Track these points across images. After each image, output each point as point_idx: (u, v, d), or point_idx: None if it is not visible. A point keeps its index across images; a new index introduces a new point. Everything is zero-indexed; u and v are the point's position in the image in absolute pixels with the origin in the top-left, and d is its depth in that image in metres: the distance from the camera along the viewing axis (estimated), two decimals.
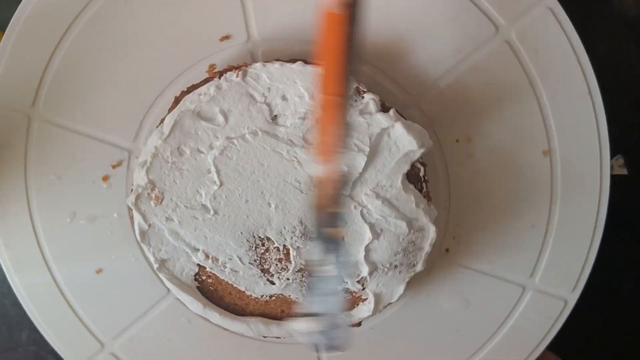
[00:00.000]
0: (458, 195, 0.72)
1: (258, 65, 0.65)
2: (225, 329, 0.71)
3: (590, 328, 0.80)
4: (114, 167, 0.72)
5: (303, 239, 0.66)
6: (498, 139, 0.71)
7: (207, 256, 0.67)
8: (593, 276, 0.72)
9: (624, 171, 0.79)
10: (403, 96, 0.71)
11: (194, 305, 0.69)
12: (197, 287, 0.69)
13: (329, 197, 0.55)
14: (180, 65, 0.70)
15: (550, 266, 0.72)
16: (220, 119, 0.65)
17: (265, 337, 0.70)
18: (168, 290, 0.73)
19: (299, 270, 0.67)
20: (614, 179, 0.72)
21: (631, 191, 0.80)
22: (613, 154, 0.71)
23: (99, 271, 0.73)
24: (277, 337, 0.70)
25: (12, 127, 0.71)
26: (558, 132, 0.70)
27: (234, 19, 0.70)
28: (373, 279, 0.67)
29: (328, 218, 0.56)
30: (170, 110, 0.67)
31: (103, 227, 0.73)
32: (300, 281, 0.68)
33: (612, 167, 0.72)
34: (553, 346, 0.73)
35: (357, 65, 0.57)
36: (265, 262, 0.67)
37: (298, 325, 0.58)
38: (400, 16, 0.70)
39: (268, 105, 0.65)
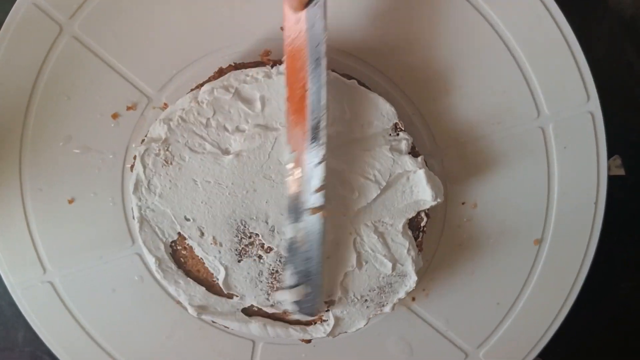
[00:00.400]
0: (443, 253, 0.73)
1: None
2: (177, 301, 0.70)
3: (588, 327, 0.82)
4: (128, 108, 0.70)
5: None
6: (500, 214, 0.73)
7: (192, 228, 0.66)
8: (590, 276, 0.73)
9: (622, 172, 0.80)
10: (430, 145, 0.72)
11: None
12: (170, 254, 0.68)
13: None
14: (232, 38, 0.69)
15: (499, 344, 0.74)
16: (258, 105, 0.64)
17: (214, 322, 0.69)
18: (132, 242, 0.72)
19: (271, 274, 0.67)
20: (612, 179, 0.73)
21: (628, 192, 0.81)
22: (610, 154, 0.73)
23: (71, 201, 0.71)
24: (226, 327, 0.70)
25: (41, 32, 0.68)
26: (555, 226, 0.72)
27: None
28: (340, 304, 0.67)
29: (312, 198, 0.62)
30: (211, 79, 0.65)
31: (93, 162, 0.71)
32: (269, 285, 0.67)
33: (609, 168, 0.72)
34: (550, 345, 0.74)
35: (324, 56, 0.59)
36: (246, 254, 0.66)
37: (279, 297, 0.66)
38: (457, 62, 0.71)
39: None
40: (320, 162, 0.60)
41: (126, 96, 0.70)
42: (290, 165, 0.62)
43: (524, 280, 0.73)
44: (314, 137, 0.60)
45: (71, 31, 0.68)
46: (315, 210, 0.62)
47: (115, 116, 0.70)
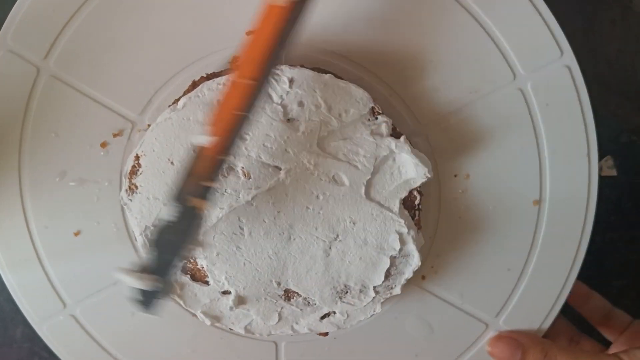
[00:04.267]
0: (445, 228, 0.74)
1: (284, 67, 0.65)
2: (193, 315, 0.71)
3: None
4: (114, 135, 0.71)
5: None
6: (494, 181, 0.73)
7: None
8: (582, 275, 0.73)
9: (613, 172, 0.81)
10: (413, 123, 0.72)
11: None
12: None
13: (207, 170, 0.59)
14: (203, 50, 0.70)
15: (516, 310, 0.74)
16: None
17: (231, 329, 0.70)
18: None
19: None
20: (603, 180, 0.73)
21: (620, 192, 0.82)
22: (602, 155, 0.72)
23: (77, 233, 0.72)
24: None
25: (19, 76, 0.70)
26: (551, 185, 0.72)
27: None
28: (349, 294, 0.68)
29: (199, 189, 0.59)
30: (186, 92, 0.67)
31: (91, 192, 0.72)
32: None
33: (601, 168, 0.73)
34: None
35: (280, 61, 0.60)
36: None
37: (124, 276, 0.59)
38: (425, 38, 0.71)
39: (284, 107, 0.65)
40: (224, 161, 0.60)
41: (111, 124, 0.71)
42: (203, 145, 0.59)
43: (530, 242, 0.73)
44: (241, 132, 0.59)
45: (48, 70, 0.70)
46: (194, 201, 0.59)
47: (104, 145, 0.72)
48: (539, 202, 0.72)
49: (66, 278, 0.73)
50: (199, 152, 0.59)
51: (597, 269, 0.81)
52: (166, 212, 0.60)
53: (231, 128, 0.58)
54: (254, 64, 0.57)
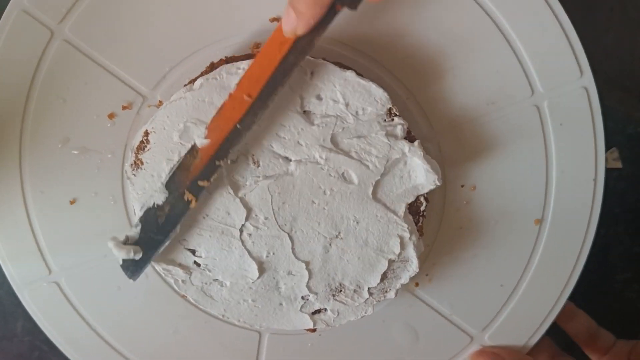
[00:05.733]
0: (445, 237, 0.74)
1: (307, 57, 0.64)
2: (182, 295, 0.71)
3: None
4: (123, 108, 0.70)
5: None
6: (499, 195, 0.72)
7: None
8: (587, 268, 0.73)
9: (619, 164, 0.81)
10: (426, 129, 0.72)
11: None
12: None
13: (201, 169, 0.63)
14: (223, 32, 0.69)
15: (504, 326, 0.74)
16: None
17: (224, 316, 0.70)
18: None
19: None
20: (609, 172, 0.73)
21: (625, 184, 0.82)
22: (608, 146, 0.72)
23: (72, 202, 0.71)
24: (227, 318, 0.70)
25: (32, 38, 0.68)
26: (555, 206, 0.72)
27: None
28: (343, 293, 0.68)
29: (194, 185, 0.63)
30: (203, 73, 0.66)
31: (92, 163, 0.71)
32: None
33: (606, 160, 0.72)
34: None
35: (281, 85, 0.60)
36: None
37: (109, 243, 0.65)
38: (448, 44, 0.71)
39: (301, 99, 0.64)
40: (217, 166, 0.62)
41: (121, 96, 0.70)
42: (198, 146, 0.62)
43: (527, 260, 0.73)
44: (233, 142, 0.62)
45: (62, 35, 0.68)
46: (189, 195, 0.63)
47: (111, 116, 0.70)
48: (540, 221, 0.72)
49: (55, 245, 0.72)
50: (198, 151, 0.63)
51: (601, 262, 0.81)
52: (158, 196, 0.64)
53: (224, 137, 0.61)
54: (254, 82, 0.60)
